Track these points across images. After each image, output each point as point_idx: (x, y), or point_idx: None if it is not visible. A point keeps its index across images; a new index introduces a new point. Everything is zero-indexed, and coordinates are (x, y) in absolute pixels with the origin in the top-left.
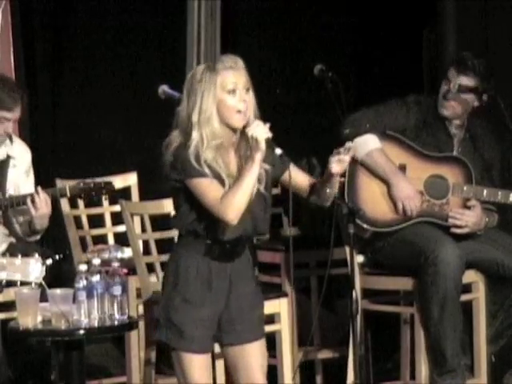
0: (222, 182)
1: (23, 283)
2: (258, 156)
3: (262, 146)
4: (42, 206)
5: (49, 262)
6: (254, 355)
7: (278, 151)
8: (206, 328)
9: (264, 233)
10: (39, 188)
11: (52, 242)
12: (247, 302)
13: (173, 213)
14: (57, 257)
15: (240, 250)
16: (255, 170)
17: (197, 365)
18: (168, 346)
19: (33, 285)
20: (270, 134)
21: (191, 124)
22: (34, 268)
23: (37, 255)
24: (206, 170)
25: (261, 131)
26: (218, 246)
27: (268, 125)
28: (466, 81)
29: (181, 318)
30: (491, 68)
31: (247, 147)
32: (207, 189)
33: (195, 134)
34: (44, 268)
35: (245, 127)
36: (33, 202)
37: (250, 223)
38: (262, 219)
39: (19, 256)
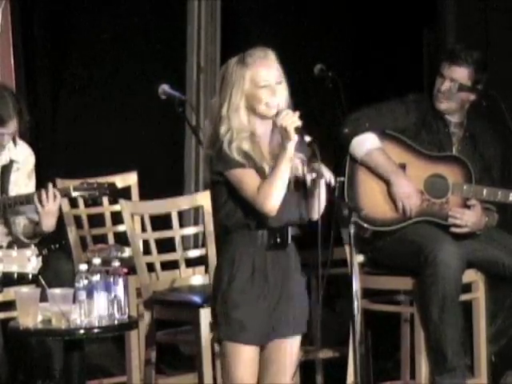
0: (260, 171)
1: (20, 274)
2: (290, 145)
3: (292, 134)
4: (48, 203)
5: (45, 252)
6: (288, 352)
7: (307, 138)
8: (265, 320)
9: (306, 219)
10: (50, 184)
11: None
12: (298, 293)
13: (209, 209)
14: (53, 247)
15: (289, 239)
16: (288, 159)
17: (252, 358)
18: (219, 343)
19: (30, 276)
20: (299, 123)
21: (221, 117)
22: (31, 259)
23: (33, 246)
24: (243, 161)
25: (290, 120)
26: (270, 235)
27: (297, 113)
28: (459, 72)
29: (241, 312)
30: (484, 58)
31: (276, 144)
32: (244, 179)
33: (224, 128)
34: (40, 259)
35: (275, 116)
36: (39, 197)
37: (294, 210)
38: (303, 206)
39: (15, 248)
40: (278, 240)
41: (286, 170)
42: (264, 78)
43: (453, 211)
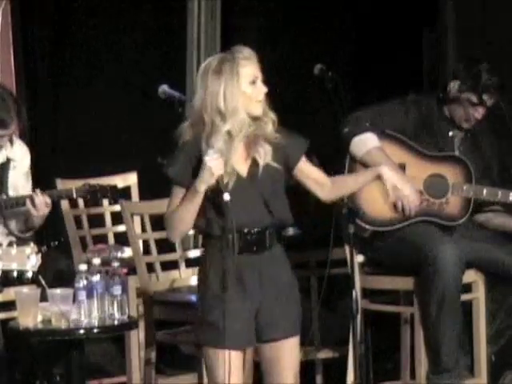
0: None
1: (19, 272)
2: (202, 188)
3: (212, 180)
4: (42, 208)
5: (44, 249)
6: (287, 353)
7: (226, 197)
8: (244, 324)
9: (285, 223)
10: (38, 190)
11: (46, 229)
12: (284, 296)
13: None
14: (52, 244)
15: (266, 242)
16: (197, 199)
17: (232, 361)
18: (199, 347)
19: (29, 273)
20: (222, 172)
21: (218, 115)
22: (30, 257)
23: (32, 244)
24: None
25: (217, 166)
26: (242, 239)
27: (222, 162)
28: (477, 99)
29: (215, 316)
30: (503, 84)
31: (257, 130)
32: (172, 197)
33: (227, 126)
34: (40, 256)
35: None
36: (32, 202)
37: (260, 214)
38: (279, 210)
39: (14, 245)
40: (251, 243)
41: (190, 209)
42: (252, 73)
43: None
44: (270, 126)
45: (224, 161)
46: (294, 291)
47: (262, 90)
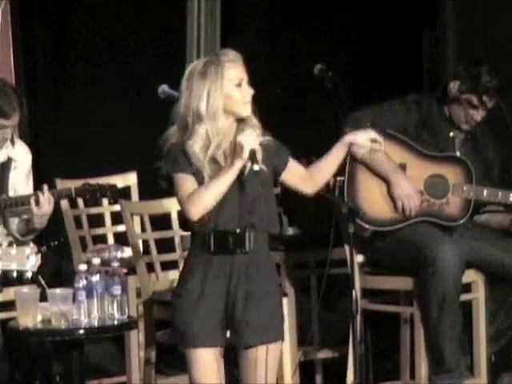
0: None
1: (19, 272)
2: (238, 164)
3: (245, 154)
4: (44, 205)
5: (44, 249)
6: (259, 361)
7: (256, 167)
8: (208, 322)
9: (270, 229)
10: (45, 186)
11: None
12: (266, 300)
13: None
14: (51, 244)
15: (246, 244)
16: (231, 175)
17: (200, 361)
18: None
19: (29, 274)
20: (256, 146)
21: (197, 118)
22: (30, 257)
23: (32, 244)
24: (190, 164)
25: (250, 141)
26: (218, 240)
27: (260, 138)
28: (477, 100)
29: (181, 315)
30: (503, 86)
31: (242, 133)
32: (182, 183)
33: (203, 128)
34: (39, 256)
35: (237, 134)
36: (37, 199)
37: (243, 215)
38: (264, 213)
39: (14, 246)
40: (229, 245)
41: (223, 185)
42: (238, 75)
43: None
44: (256, 130)
45: (255, 137)
46: (275, 299)
47: (248, 91)
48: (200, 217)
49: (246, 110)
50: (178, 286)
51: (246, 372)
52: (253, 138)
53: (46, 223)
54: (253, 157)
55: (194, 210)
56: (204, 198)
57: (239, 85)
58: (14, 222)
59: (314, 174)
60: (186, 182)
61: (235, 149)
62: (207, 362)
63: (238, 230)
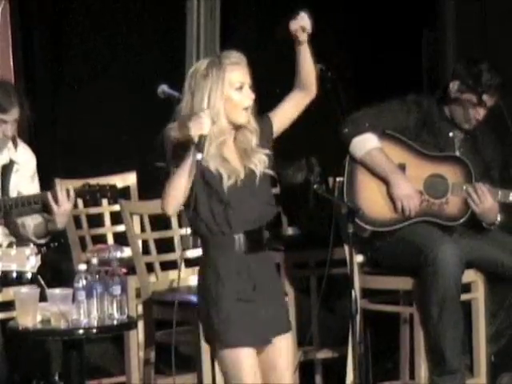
0: (220, 178)
1: (19, 273)
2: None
3: (195, 139)
4: (64, 201)
5: (43, 250)
6: (282, 352)
7: (199, 156)
8: (251, 322)
9: (270, 218)
10: (58, 180)
11: None
12: (276, 296)
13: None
14: (51, 244)
15: (263, 241)
16: (186, 164)
17: (246, 359)
18: (210, 348)
19: (29, 274)
20: (205, 132)
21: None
22: (30, 257)
23: (32, 245)
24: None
25: (198, 126)
26: (246, 239)
27: (208, 122)
28: (492, 102)
29: (223, 315)
30: (503, 85)
31: (244, 141)
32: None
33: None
34: (39, 257)
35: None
36: (54, 197)
37: (258, 214)
38: (271, 213)
39: (14, 246)
40: (256, 242)
41: (180, 174)
42: (239, 79)
43: (474, 185)
44: (254, 136)
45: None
46: (282, 294)
47: (248, 96)
48: (174, 211)
49: (242, 117)
50: (207, 286)
51: (271, 368)
52: (200, 123)
53: (66, 222)
54: (198, 143)
55: (164, 203)
56: (168, 190)
57: (240, 88)
58: (30, 225)
59: (299, 83)
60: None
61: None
62: (253, 361)
63: (257, 229)
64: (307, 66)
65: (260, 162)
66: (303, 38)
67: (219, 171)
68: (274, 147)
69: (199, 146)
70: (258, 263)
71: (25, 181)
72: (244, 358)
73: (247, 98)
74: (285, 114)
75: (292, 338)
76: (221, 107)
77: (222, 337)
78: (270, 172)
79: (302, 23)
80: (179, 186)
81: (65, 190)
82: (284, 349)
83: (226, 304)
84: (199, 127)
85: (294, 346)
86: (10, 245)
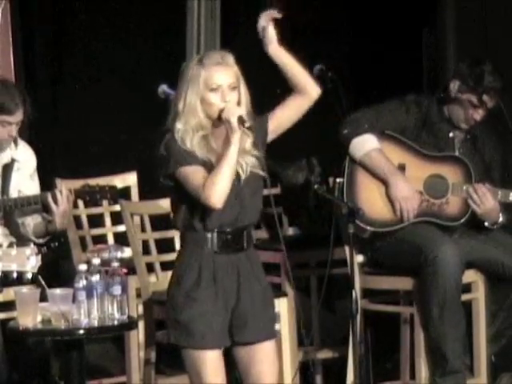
0: (211, 167)
1: (19, 273)
2: (235, 138)
3: (235, 125)
4: (63, 202)
5: (44, 250)
6: (265, 357)
7: (247, 124)
8: (215, 323)
9: (255, 221)
10: (59, 180)
11: None
12: (259, 299)
13: (171, 213)
14: (52, 245)
15: (243, 243)
16: (233, 151)
17: (209, 362)
18: (176, 347)
19: (29, 275)
20: (240, 112)
21: (176, 113)
22: (30, 258)
23: (32, 245)
24: (193, 157)
25: (231, 112)
26: (219, 238)
27: (239, 106)
28: (491, 102)
29: (186, 315)
30: (504, 86)
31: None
32: (192, 175)
33: (180, 125)
34: (40, 257)
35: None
36: (54, 197)
37: (250, 212)
38: (255, 213)
39: (14, 246)
40: (229, 243)
41: (231, 162)
42: (215, 81)
43: (474, 186)
44: (249, 138)
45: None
46: (269, 295)
47: (224, 98)
48: (222, 203)
49: (216, 116)
50: (175, 285)
51: (251, 369)
52: (233, 108)
53: (66, 223)
54: (242, 121)
55: (214, 196)
56: (220, 180)
57: (215, 90)
58: (30, 225)
59: (293, 87)
60: (194, 173)
61: (227, 131)
62: (217, 362)
63: (236, 230)
64: (290, 68)
65: (247, 164)
66: (269, 35)
67: (210, 160)
68: (274, 148)
69: (243, 123)
70: (235, 264)
71: (25, 179)
72: (206, 360)
73: (222, 101)
74: (282, 116)
75: (275, 347)
76: (197, 103)
77: (177, 335)
78: (261, 173)
79: (262, 23)
80: (230, 177)
81: (64, 190)
82: (264, 357)
83: (182, 302)
84: (232, 112)
85: (277, 356)
86: (10, 245)
